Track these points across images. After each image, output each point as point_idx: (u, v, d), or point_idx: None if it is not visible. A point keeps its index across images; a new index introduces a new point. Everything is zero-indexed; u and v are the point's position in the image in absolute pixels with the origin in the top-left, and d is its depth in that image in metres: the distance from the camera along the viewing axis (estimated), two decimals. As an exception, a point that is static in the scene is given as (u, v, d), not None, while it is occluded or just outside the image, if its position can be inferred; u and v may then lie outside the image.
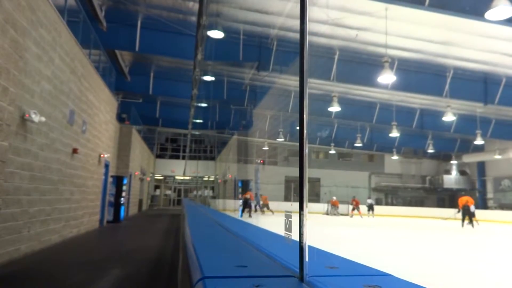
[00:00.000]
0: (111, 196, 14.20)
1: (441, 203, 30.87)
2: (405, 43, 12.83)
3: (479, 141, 19.84)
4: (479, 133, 19.08)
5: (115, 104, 14.61)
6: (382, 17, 10.79)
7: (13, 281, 5.17)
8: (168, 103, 21.81)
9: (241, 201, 19.01)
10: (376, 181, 32.23)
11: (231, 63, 15.63)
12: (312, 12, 1.07)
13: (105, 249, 8.58)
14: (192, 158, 31.27)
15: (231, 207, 21.91)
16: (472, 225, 16.42)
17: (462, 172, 30.60)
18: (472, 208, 16.54)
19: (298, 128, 1.03)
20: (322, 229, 13.45)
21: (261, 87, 17.26)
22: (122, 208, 14.77)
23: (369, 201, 25.95)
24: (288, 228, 1.11)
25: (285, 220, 1.13)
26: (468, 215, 16.46)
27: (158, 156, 32.63)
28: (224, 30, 9.61)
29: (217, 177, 30.19)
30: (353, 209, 24.28)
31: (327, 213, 24.76)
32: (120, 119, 17.45)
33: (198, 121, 19.61)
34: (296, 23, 1.06)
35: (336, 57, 13.87)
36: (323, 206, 25.13)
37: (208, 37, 9.20)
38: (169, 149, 34.21)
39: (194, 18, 11.51)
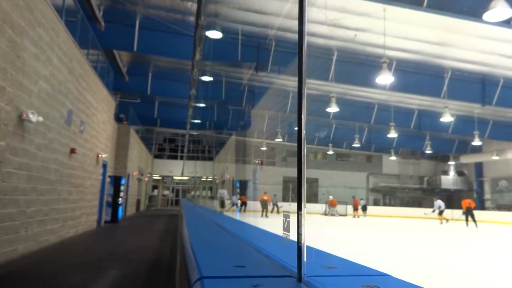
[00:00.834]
0: (109, 196, 14.18)
1: (438, 204, 30.90)
2: (403, 44, 12.86)
3: (476, 142, 19.88)
4: (477, 134, 19.11)
5: (113, 104, 14.59)
6: (380, 18, 10.81)
7: (10, 281, 5.15)
8: (166, 103, 21.79)
9: (239, 201, 19.02)
10: (374, 181, 32.27)
11: (230, 63, 15.62)
12: (310, 12, 1.07)
13: (102, 249, 8.57)
14: (190, 158, 31.23)
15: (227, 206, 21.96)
16: (476, 225, 17.95)
17: (459, 173, 30.68)
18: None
19: (296, 128, 1.03)
20: (320, 229, 13.46)
21: (260, 87, 17.26)
22: (120, 208, 14.74)
23: (362, 202, 26.10)
24: (286, 228, 1.11)
25: (283, 220, 1.14)
26: (471, 216, 17.91)
27: (156, 156, 32.58)
28: (222, 30, 9.60)
29: (215, 177, 30.18)
30: (356, 209, 24.35)
31: (325, 214, 24.78)
32: (118, 119, 17.42)
33: (196, 121, 19.59)
34: (295, 24, 1.06)
35: (335, 57, 13.88)
36: (321, 207, 25.16)
37: (206, 37, 9.20)
38: (167, 149, 34.17)
39: (192, 18, 11.50)
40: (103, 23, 12.10)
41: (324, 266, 1.07)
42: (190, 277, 1.05)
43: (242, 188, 25.27)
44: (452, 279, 5.76)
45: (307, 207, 0.98)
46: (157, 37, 13.32)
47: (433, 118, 18.75)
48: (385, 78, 11.62)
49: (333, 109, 15.95)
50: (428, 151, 25.29)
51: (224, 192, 19.32)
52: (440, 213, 20.90)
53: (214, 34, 9.30)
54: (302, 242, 0.95)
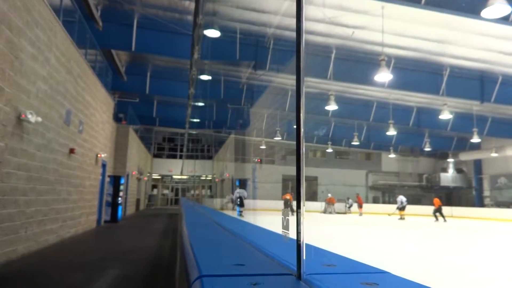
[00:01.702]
0: (109, 196, 14.18)
1: (438, 201, 30.97)
2: (402, 41, 12.86)
3: (475, 139, 19.92)
4: (476, 131, 19.14)
5: (111, 104, 14.57)
6: (379, 15, 10.81)
7: (10, 282, 5.15)
8: (165, 102, 21.77)
9: (238, 200, 19.03)
10: (373, 179, 32.31)
11: (228, 62, 15.61)
12: (308, 10, 1.07)
13: (102, 249, 8.57)
14: (189, 157, 31.26)
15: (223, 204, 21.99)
16: (445, 219, 19.79)
17: (458, 170, 30.73)
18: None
19: (295, 127, 1.03)
20: (319, 227, 13.47)
21: (258, 86, 17.26)
22: (120, 208, 14.74)
23: (350, 201, 26.17)
24: (286, 227, 1.12)
25: (282, 218, 1.14)
26: (440, 213, 19.41)
27: (156, 156, 32.57)
28: (220, 29, 9.60)
29: (214, 176, 30.21)
30: (360, 207, 24.37)
31: (324, 212, 24.82)
32: (117, 119, 17.41)
33: (195, 120, 19.60)
34: (293, 22, 1.06)
35: (333, 55, 13.88)
36: (320, 205, 25.19)
37: (205, 36, 9.20)
38: (166, 148, 34.17)
39: (190, 17, 11.49)
40: (101, 23, 12.09)
41: (323, 264, 1.07)
42: (189, 276, 1.06)
43: (241, 186, 25.29)
44: (451, 276, 5.77)
45: (306, 205, 0.98)
46: (155, 37, 13.31)
47: (432, 115, 18.77)
48: (384, 75, 11.63)
49: (332, 107, 15.96)
50: (427, 149, 25.32)
51: (243, 192, 19.30)
52: (402, 208, 21.44)
53: (212, 33, 9.29)
54: (301, 240, 0.95)
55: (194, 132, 27.47)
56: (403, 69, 14.48)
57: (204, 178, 32.60)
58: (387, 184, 32.05)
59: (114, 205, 14.37)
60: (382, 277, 0.95)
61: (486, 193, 28.61)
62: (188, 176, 32.45)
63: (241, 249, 1.54)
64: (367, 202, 30.46)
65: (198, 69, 11.34)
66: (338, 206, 25.18)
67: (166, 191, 35.42)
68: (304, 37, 1.04)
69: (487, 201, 28.35)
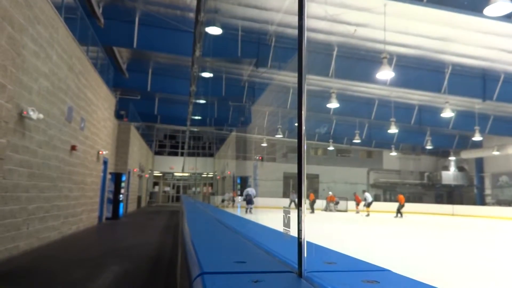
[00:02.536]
0: (110, 193, 14.20)
1: (439, 199, 30.98)
2: (404, 39, 12.82)
3: (477, 137, 19.87)
4: (478, 129, 19.10)
5: (113, 101, 14.58)
6: (381, 13, 10.78)
7: (12, 278, 5.18)
8: (167, 99, 21.78)
9: (247, 197, 19.11)
10: (375, 177, 32.28)
11: (230, 59, 15.60)
12: (310, 8, 1.07)
13: (104, 245, 8.59)
14: (190, 154, 31.29)
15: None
16: (402, 216, 20.37)
17: (460, 168, 30.69)
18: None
19: (296, 124, 1.03)
20: (320, 225, 13.49)
21: (260, 83, 17.25)
22: (121, 205, 14.77)
23: (337, 199, 26.10)
24: (287, 224, 1.12)
25: (283, 216, 1.14)
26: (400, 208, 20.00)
27: (157, 153, 32.61)
28: (222, 26, 9.59)
29: (215, 173, 30.25)
30: (358, 205, 24.36)
31: (325, 210, 24.82)
32: (118, 116, 17.42)
33: (196, 117, 19.62)
34: (294, 19, 1.06)
35: (335, 53, 13.85)
36: (321, 203, 25.17)
37: (206, 33, 9.19)
38: (167, 145, 34.20)
39: (192, 15, 11.47)
40: (102, 20, 12.08)
41: (324, 261, 1.08)
42: (191, 273, 1.06)
43: (242, 184, 25.32)
44: (452, 274, 5.77)
45: (307, 203, 0.98)
46: (156, 34, 13.30)
47: (434, 113, 18.74)
48: (386, 73, 11.60)
49: (333, 104, 15.93)
50: (429, 147, 25.29)
51: (252, 190, 19.44)
52: (368, 205, 22.05)
53: (214, 30, 9.29)
54: (302, 238, 0.95)
55: (196, 130, 27.51)
56: (405, 67, 14.45)
57: (205, 175, 32.64)
58: (389, 182, 32.03)
59: (115, 202, 14.40)
60: (383, 275, 0.95)
61: (488, 191, 28.56)
62: (189, 174, 32.49)
63: (242, 246, 1.55)
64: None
65: (200, 67, 11.34)
66: (342, 204, 25.18)
67: (167, 189, 35.47)
68: (306, 34, 1.04)
69: (488, 199, 28.31)
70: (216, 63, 15.38)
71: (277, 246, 1.33)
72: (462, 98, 16.64)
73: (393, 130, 19.90)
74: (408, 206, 24.08)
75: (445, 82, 14.84)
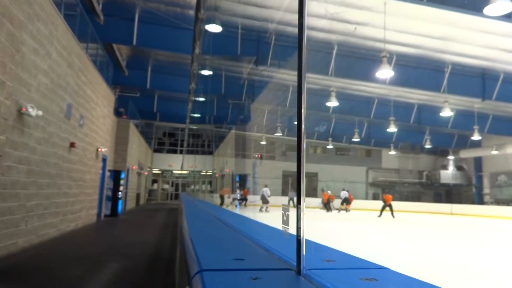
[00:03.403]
0: (109, 190, 14.20)
1: (438, 198, 31.01)
2: (404, 38, 12.81)
3: (476, 137, 19.89)
4: (477, 129, 19.11)
5: (112, 98, 14.56)
6: (381, 11, 10.76)
7: (10, 274, 5.18)
8: (166, 97, 21.76)
9: (262, 197, 19.16)
10: (374, 176, 32.31)
11: (229, 57, 15.58)
12: (310, 6, 1.07)
13: (103, 243, 8.60)
14: (190, 152, 31.27)
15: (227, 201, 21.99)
16: (393, 215, 19.49)
17: (459, 168, 30.72)
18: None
19: (296, 122, 1.03)
20: (319, 223, 13.51)
21: (259, 81, 17.22)
22: (120, 202, 14.77)
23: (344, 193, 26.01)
24: (286, 222, 1.12)
25: (282, 214, 1.14)
26: (391, 209, 19.48)
27: (156, 151, 32.59)
28: (222, 24, 9.57)
29: (214, 171, 30.23)
30: (349, 203, 24.34)
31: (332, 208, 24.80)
32: (117, 113, 17.40)
33: (196, 115, 19.60)
34: (295, 18, 1.06)
35: (335, 51, 13.84)
36: (320, 201, 25.17)
37: (206, 31, 9.17)
38: (166, 143, 34.18)
39: (192, 12, 11.45)
40: (102, 17, 12.05)
41: (322, 259, 1.08)
42: (190, 270, 1.06)
43: (241, 182, 25.32)
44: (450, 273, 5.79)
45: (306, 201, 0.99)
46: (156, 31, 13.27)
47: (433, 112, 18.74)
48: (385, 72, 11.59)
49: (333, 103, 15.93)
50: (428, 146, 25.31)
51: (267, 190, 19.49)
52: (346, 202, 22.93)
53: (214, 28, 9.27)
54: (301, 236, 0.96)
55: (195, 127, 27.48)
56: (405, 66, 14.45)
57: (204, 173, 32.63)
58: (387, 181, 32.05)
59: (114, 199, 14.41)
60: (381, 273, 0.96)
61: (486, 190, 28.61)
62: (188, 171, 32.48)
63: (241, 244, 1.55)
64: (367, 198, 30.50)
65: (199, 64, 11.33)
66: (337, 202, 25.15)
67: (166, 186, 35.46)
68: (306, 33, 1.04)
69: (487, 198, 28.36)
70: (215, 61, 15.37)
71: (276, 243, 1.34)
72: (461, 97, 16.64)
73: (392, 129, 19.92)
74: (407, 205, 24.13)
75: (445, 81, 14.84)
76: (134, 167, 20.36)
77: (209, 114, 21.45)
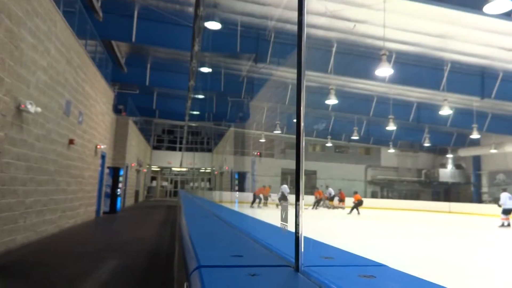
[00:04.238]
0: (108, 187, 14.21)
1: (436, 197, 31.07)
2: (403, 36, 12.81)
3: (475, 135, 19.90)
4: (476, 127, 19.13)
5: (111, 95, 14.54)
6: (380, 9, 10.75)
7: (9, 271, 5.18)
8: (165, 94, 21.72)
9: (281, 195, 19.14)
10: (372, 174, 32.35)
11: (228, 54, 15.55)
12: (310, 4, 1.07)
13: (101, 239, 8.60)
14: (188, 149, 31.24)
15: (228, 199, 21.94)
16: (359, 213, 19.86)
17: (457, 166, 30.77)
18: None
19: (295, 120, 1.03)
20: (318, 221, 13.53)
21: (259, 79, 17.20)
22: (119, 199, 14.78)
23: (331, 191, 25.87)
24: (284, 219, 1.12)
25: (281, 211, 1.14)
26: (357, 206, 20.00)
27: (155, 148, 32.58)
28: (221, 21, 9.55)
29: (213, 169, 30.22)
30: (342, 201, 24.36)
31: (323, 206, 24.85)
32: (116, 110, 17.39)
33: (195, 112, 19.56)
34: (294, 15, 1.06)
35: (334, 49, 13.83)
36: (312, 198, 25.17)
37: (205, 28, 9.14)
38: (165, 140, 34.17)
39: (191, 9, 11.42)
40: (101, 14, 12.01)
41: (321, 256, 1.08)
42: (188, 266, 1.06)
43: (240, 179, 25.32)
44: (448, 270, 5.80)
45: (305, 198, 0.99)
46: (155, 28, 13.24)
47: (432, 111, 18.75)
48: (385, 70, 11.59)
49: (332, 101, 15.93)
50: (427, 144, 25.32)
51: (286, 188, 19.46)
52: (331, 199, 23.69)
53: (213, 25, 9.24)
54: (299, 233, 0.96)
55: (194, 125, 27.45)
56: (404, 64, 14.44)
57: (203, 170, 32.63)
58: (386, 179, 32.11)
59: (113, 196, 14.41)
60: (379, 270, 0.96)
61: (485, 189, 28.67)
62: (187, 169, 32.46)
63: (240, 240, 1.55)
64: (365, 196, 30.52)
65: (199, 61, 11.29)
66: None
67: (165, 183, 35.47)
68: (306, 30, 1.04)
69: (485, 197, 28.42)
70: (215, 58, 15.33)
71: (274, 240, 1.34)
72: (460, 95, 16.66)
73: (392, 127, 19.93)
74: (405, 203, 24.19)
75: (444, 80, 14.85)
76: (133, 164, 20.35)
77: (208, 111, 21.41)
